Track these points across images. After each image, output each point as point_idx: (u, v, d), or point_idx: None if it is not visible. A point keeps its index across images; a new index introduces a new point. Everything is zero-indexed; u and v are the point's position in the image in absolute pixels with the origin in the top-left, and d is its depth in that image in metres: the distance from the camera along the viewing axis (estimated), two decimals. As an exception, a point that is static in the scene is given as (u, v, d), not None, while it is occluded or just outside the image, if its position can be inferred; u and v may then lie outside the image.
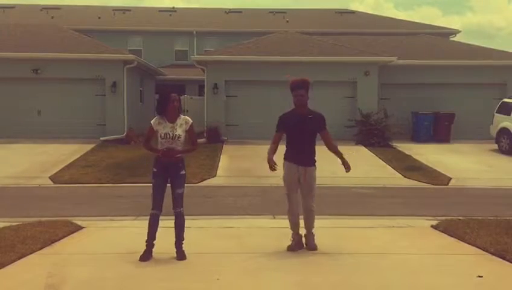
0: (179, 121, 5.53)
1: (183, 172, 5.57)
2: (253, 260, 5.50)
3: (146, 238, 5.51)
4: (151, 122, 5.58)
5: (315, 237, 5.90)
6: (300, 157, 5.77)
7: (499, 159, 15.30)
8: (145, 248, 5.50)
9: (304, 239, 5.92)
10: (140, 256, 5.43)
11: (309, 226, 5.89)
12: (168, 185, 5.57)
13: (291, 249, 5.81)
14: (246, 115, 18.43)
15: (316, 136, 5.85)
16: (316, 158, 5.89)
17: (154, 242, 5.53)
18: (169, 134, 5.46)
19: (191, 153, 5.83)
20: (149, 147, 5.63)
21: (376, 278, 4.97)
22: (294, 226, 5.91)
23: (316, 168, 5.88)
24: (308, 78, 5.89)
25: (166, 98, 5.49)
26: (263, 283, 4.89)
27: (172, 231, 5.59)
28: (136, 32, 28.80)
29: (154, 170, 5.55)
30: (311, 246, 5.85)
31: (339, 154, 5.94)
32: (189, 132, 5.59)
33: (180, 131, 5.50)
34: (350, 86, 18.76)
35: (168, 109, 5.49)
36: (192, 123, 5.62)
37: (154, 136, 5.58)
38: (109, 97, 18.25)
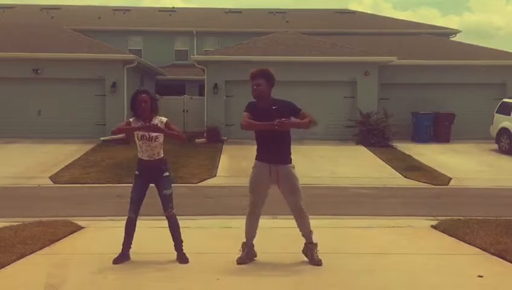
0: (154, 122, 5.33)
1: (166, 174, 5.48)
2: (253, 260, 5.49)
3: (122, 241, 5.42)
4: (130, 119, 5.45)
5: (318, 248, 5.27)
6: (272, 155, 5.15)
7: (499, 159, 15.31)
8: (120, 251, 5.39)
9: (303, 252, 5.34)
10: (114, 259, 5.32)
11: (305, 230, 5.28)
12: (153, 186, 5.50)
13: (242, 261, 5.24)
14: (246, 115, 18.42)
15: (290, 130, 5.22)
16: (291, 156, 5.29)
17: (131, 245, 5.45)
18: (146, 136, 5.33)
19: (179, 139, 5.60)
20: (119, 130, 5.42)
21: (376, 278, 4.96)
22: (251, 234, 5.36)
23: (293, 166, 5.26)
24: (270, 69, 5.32)
25: (134, 100, 5.35)
26: (263, 283, 4.89)
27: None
28: (136, 32, 28.78)
29: (137, 172, 5.49)
30: (315, 261, 5.19)
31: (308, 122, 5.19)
32: (169, 128, 5.37)
33: None
34: (350, 86, 18.77)
35: (138, 111, 5.34)
36: (167, 121, 5.42)
37: (131, 135, 5.46)
38: (109, 97, 18.25)
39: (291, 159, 5.31)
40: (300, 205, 5.27)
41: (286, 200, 5.37)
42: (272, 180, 5.24)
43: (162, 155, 5.51)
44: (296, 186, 5.27)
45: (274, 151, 5.17)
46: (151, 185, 5.53)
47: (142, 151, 5.44)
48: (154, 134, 5.32)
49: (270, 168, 5.18)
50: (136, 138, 5.42)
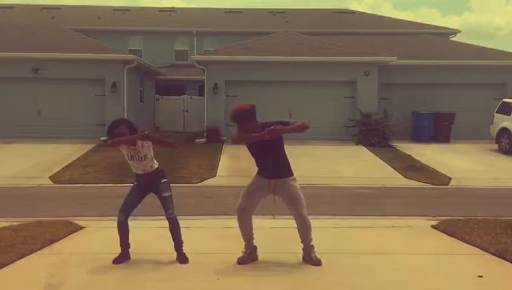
0: (140, 142, 5.33)
1: (164, 180, 5.52)
2: (253, 261, 5.49)
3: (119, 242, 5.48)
4: None
5: (315, 249, 5.36)
6: (270, 171, 5.29)
7: (499, 159, 15.31)
8: (120, 251, 5.46)
9: (301, 254, 5.41)
10: (114, 259, 5.37)
11: (305, 237, 5.34)
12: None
13: (242, 261, 5.30)
14: (246, 114, 18.39)
15: (283, 144, 5.33)
16: (291, 167, 5.37)
17: (130, 245, 5.49)
18: (135, 156, 5.39)
19: (171, 147, 5.71)
20: (115, 142, 5.37)
21: (375, 278, 4.97)
22: (248, 236, 5.39)
23: (294, 179, 5.35)
24: (250, 104, 5.32)
25: (111, 134, 5.39)
26: (263, 283, 4.89)
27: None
28: (136, 32, 28.76)
29: (135, 183, 5.57)
30: (314, 261, 5.27)
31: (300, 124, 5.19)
32: (154, 140, 5.39)
33: (144, 151, 5.38)
34: (350, 86, 18.76)
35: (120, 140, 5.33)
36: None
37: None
38: (109, 97, 18.23)
39: (292, 172, 5.39)
40: (302, 213, 5.32)
41: (289, 210, 5.44)
42: (270, 192, 5.36)
43: (156, 166, 5.54)
44: (296, 196, 5.32)
45: (271, 167, 5.30)
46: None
47: (135, 168, 5.51)
48: (142, 154, 5.36)
49: (269, 183, 5.31)
50: (127, 159, 5.49)
